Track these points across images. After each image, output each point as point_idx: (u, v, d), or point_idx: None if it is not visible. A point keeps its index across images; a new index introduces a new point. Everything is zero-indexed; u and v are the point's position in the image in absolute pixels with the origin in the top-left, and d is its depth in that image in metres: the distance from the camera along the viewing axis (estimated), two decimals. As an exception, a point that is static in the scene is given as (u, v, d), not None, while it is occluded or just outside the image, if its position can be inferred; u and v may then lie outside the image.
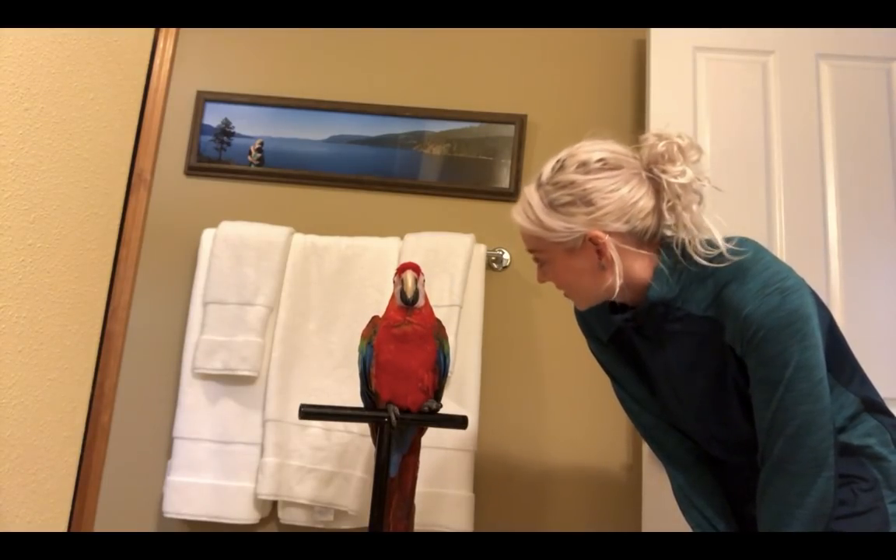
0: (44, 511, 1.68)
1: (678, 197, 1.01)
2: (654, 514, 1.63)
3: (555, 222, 1.04)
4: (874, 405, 1.05)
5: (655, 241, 1.06)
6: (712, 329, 1.01)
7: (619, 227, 1.02)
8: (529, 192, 1.08)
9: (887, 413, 1.06)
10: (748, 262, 0.98)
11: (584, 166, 1.04)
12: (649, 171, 1.04)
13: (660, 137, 1.04)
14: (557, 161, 1.07)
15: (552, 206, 1.04)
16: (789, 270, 0.98)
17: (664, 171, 1.02)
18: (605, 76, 2.00)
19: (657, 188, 1.03)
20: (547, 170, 1.07)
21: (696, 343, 1.04)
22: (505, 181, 1.93)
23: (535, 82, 2.01)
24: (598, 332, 1.23)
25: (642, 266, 1.05)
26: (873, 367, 1.10)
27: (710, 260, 1.00)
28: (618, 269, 1.02)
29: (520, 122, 1.96)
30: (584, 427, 1.80)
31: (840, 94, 1.81)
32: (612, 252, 1.02)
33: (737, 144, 1.78)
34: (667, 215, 1.03)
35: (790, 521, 0.94)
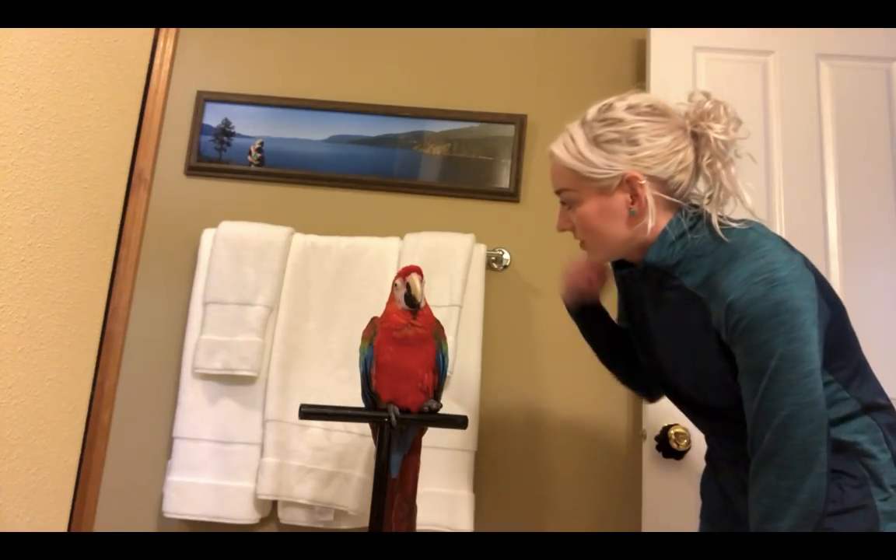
0: (44, 511, 1.68)
1: (721, 153, 1.03)
2: (654, 514, 1.63)
3: (596, 158, 1.04)
4: (869, 404, 1.04)
5: (680, 201, 1.06)
6: (699, 309, 1.02)
7: (659, 172, 1.03)
8: (573, 127, 1.10)
9: (884, 411, 1.05)
10: (746, 247, 0.99)
11: (633, 108, 1.05)
12: (695, 125, 1.05)
13: (708, 96, 1.06)
14: (605, 103, 1.08)
15: (596, 141, 1.05)
16: (787, 261, 0.97)
17: (710, 128, 1.03)
18: (605, 76, 1.99)
19: (696, 147, 1.05)
20: (593, 110, 1.09)
21: (684, 316, 1.05)
22: (505, 181, 1.93)
23: (535, 82, 2.01)
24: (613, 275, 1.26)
25: (663, 222, 1.05)
26: (872, 366, 1.10)
27: (720, 231, 1.01)
28: (651, 212, 1.03)
29: (520, 122, 1.96)
30: (584, 427, 1.80)
31: (840, 94, 1.81)
32: (648, 196, 1.02)
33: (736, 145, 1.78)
34: (706, 172, 1.05)
35: (781, 515, 0.93)
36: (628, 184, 1.04)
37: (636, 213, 1.04)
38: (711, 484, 1.22)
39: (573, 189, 1.09)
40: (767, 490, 0.95)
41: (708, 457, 1.24)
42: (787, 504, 0.93)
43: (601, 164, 1.04)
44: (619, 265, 1.16)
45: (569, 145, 1.08)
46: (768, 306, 0.94)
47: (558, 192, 1.11)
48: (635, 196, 1.04)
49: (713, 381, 1.05)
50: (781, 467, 0.94)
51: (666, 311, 1.09)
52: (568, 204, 1.11)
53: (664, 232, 1.04)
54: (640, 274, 1.09)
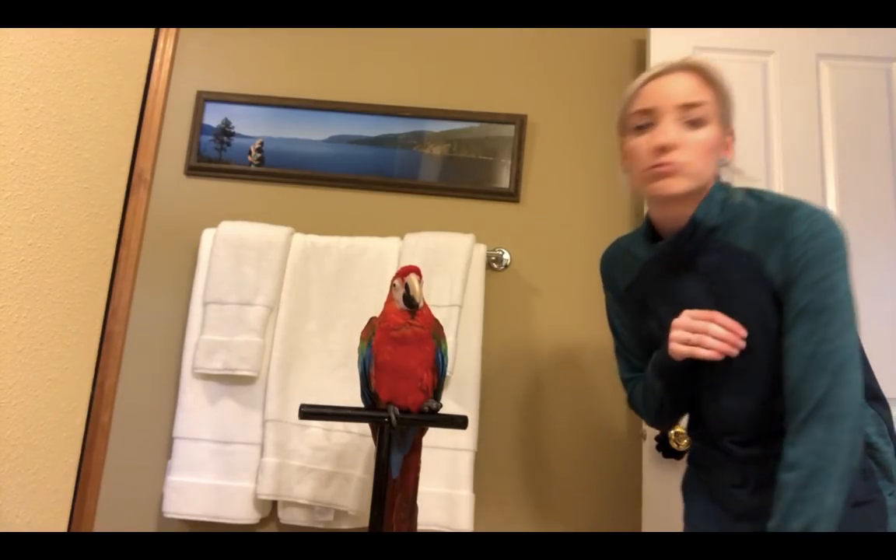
0: (44, 511, 1.68)
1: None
2: (654, 514, 1.63)
3: (730, 96, 1.09)
4: (873, 393, 1.05)
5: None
6: (751, 265, 1.02)
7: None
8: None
9: (884, 404, 1.07)
10: (791, 202, 1.03)
11: None
12: None
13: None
14: None
15: None
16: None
17: None
18: (605, 76, 2.00)
19: None
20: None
21: (730, 275, 1.05)
22: (505, 181, 1.93)
23: (535, 82, 2.01)
24: (619, 280, 1.24)
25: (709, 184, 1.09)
26: (873, 365, 1.10)
27: (759, 195, 1.06)
28: (730, 163, 1.09)
29: (520, 122, 1.96)
30: (583, 427, 1.80)
31: (840, 94, 1.81)
32: (732, 149, 1.09)
33: (736, 144, 1.78)
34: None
35: (827, 480, 0.90)
36: (731, 134, 1.10)
37: (719, 163, 1.09)
38: (698, 486, 1.19)
39: (709, 105, 1.05)
40: (813, 448, 0.92)
41: (696, 460, 1.21)
42: (832, 465, 0.91)
43: (731, 103, 1.09)
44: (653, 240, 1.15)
45: (718, 73, 1.08)
46: (829, 240, 0.97)
47: (688, 106, 1.05)
48: (727, 146, 1.10)
49: (758, 344, 1.03)
50: (832, 419, 0.92)
51: (707, 276, 1.08)
52: (693, 122, 1.05)
53: (711, 192, 1.07)
54: (687, 237, 1.07)
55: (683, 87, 1.05)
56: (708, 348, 1.01)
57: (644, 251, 1.18)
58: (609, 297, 1.29)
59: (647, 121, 1.06)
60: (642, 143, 1.06)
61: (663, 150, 1.03)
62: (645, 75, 1.08)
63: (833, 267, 0.96)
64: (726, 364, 1.06)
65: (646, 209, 1.77)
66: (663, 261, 1.13)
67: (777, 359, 1.01)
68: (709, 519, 1.15)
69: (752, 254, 1.02)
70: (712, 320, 1.02)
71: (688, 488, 1.23)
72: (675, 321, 1.05)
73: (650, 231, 1.16)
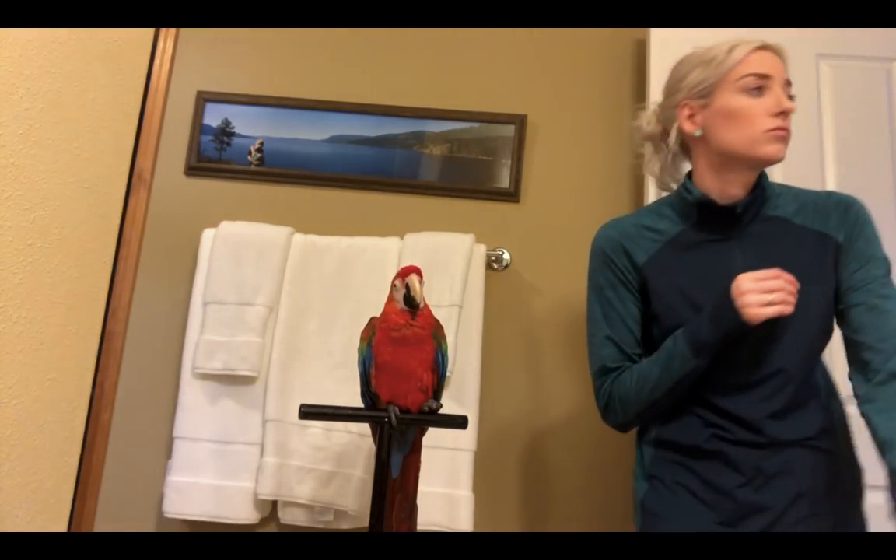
0: (44, 511, 1.68)
1: None
2: (654, 514, 1.62)
3: None
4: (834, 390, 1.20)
5: None
6: (811, 231, 1.13)
7: None
8: None
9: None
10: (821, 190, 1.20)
11: None
12: None
13: None
14: None
15: None
16: None
17: None
18: (605, 76, 2.00)
19: None
20: None
21: (782, 243, 1.13)
22: (505, 181, 1.93)
23: (535, 82, 2.01)
24: (636, 255, 1.19)
25: None
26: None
27: (785, 185, 1.21)
28: None
29: (520, 122, 1.96)
30: (584, 427, 1.80)
31: (840, 94, 1.81)
32: None
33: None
34: None
35: None
36: None
37: None
38: (678, 497, 1.16)
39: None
40: None
41: (671, 474, 1.18)
42: None
43: None
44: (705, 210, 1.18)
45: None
46: (867, 212, 1.15)
47: (788, 82, 1.15)
48: None
49: (812, 309, 1.09)
50: None
51: (753, 244, 1.14)
52: (790, 96, 1.15)
53: (763, 171, 1.17)
54: (752, 200, 1.15)
55: (782, 64, 1.14)
56: (789, 304, 1.04)
57: (672, 224, 1.19)
58: (609, 278, 1.21)
59: (761, 85, 1.11)
60: (758, 105, 1.11)
61: (786, 115, 1.11)
62: (748, 44, 1.13)
63: (876, 230, 1.13)
64: (780, 328, 1.09)
65: (647, 188, 1.78)
66: (708, 231, 1.17)
67: (823, 323, 1.11)
68: (701, 523, 1.12)
69: (804, 226, 1.14)
70: (780, 277, 1.04)
71: (662, 506, 1.18)
72: (741, 286, 1.04)
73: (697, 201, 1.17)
